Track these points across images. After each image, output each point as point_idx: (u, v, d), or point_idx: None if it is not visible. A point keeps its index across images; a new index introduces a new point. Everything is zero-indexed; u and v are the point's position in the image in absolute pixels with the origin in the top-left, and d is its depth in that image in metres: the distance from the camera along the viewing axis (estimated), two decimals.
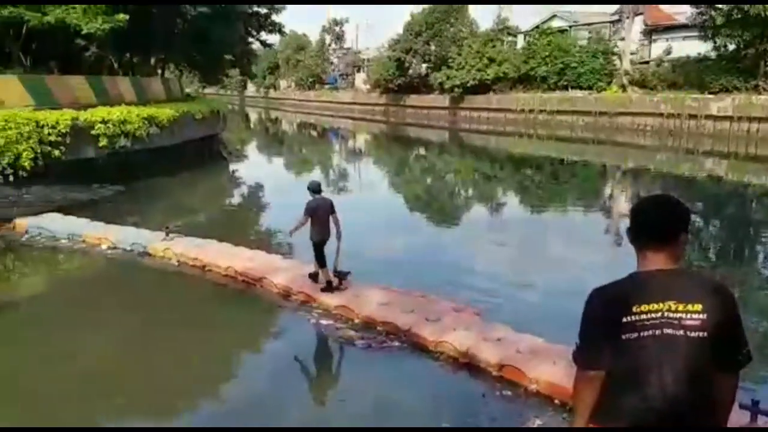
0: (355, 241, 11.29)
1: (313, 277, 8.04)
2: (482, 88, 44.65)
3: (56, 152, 14.20)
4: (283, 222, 10.48)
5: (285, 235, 9.00)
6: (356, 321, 7.14)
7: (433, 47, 48.97)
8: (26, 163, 13.46)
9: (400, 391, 5.84)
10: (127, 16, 17.52)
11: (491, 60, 43.85)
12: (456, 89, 45.73)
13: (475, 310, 7.20)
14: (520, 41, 47.18)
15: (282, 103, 79.90)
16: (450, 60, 46.30)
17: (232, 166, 25.11)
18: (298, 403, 5.65)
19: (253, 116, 65.52)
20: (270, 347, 7.33)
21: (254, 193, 19.14)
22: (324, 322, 7.23)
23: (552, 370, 5.46)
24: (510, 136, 37.40)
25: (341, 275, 7.82)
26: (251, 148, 34.11)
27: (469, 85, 44.53)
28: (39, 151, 13.75)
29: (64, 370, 6.25)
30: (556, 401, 5.26)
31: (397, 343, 6.58)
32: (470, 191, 20.12)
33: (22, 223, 11.57)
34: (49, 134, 14.00)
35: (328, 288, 7.73)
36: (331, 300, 7.54)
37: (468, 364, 6.01)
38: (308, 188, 7.85)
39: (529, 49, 42.68)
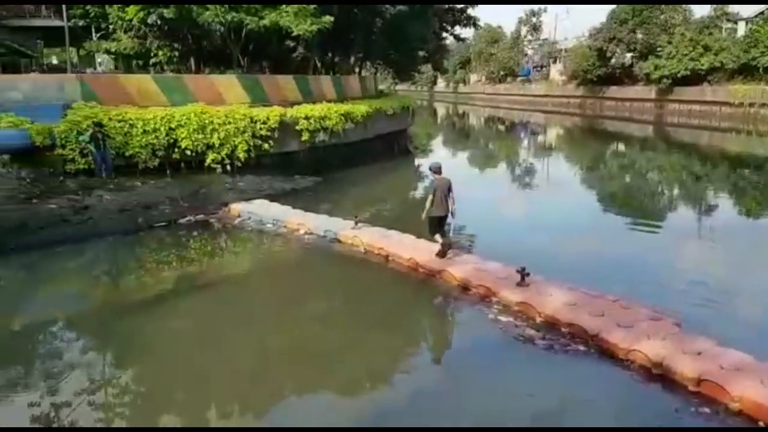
0: (544, 238, 10.93)
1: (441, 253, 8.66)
2: (694, 79, 40.97)
3: (266, 145, 15.74)
4: (464, 218, 10.42)
5: (466, 230, 8.93)
6: (538, 320, 6.85)
7: (639, 35, 45.59)
8: (241, 155, 15.14)
9: (586, 395, 5.52)
10: (332, 18, 18.59)
11: (706, 48, 40.17)
12: (664, 80, 42.49)
13: (674, 319, 6.49)
14: (741, 28, 42.01)
15: (471, 97, 79.92)
16: (659, 49, 42.87)
17: (417, 161, 25.67)
18: (478, 397, 5.54)
19: (441, 111, 66.44)
20: (449, 339, 7.36)
21: None
22: (503, 318, 7.04)
23: (759, 389, 4.90)
24: (725, 131, 33.78)
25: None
26: (437, 143, 34.54)
27: (679, 75, 41.19)
28: (252, 144, 15.37)
29: (270, 341, 6.89)
30: (761, 423, 4.73)
31: (582, 347, 6.19)
32: (675, 191, 18.26)
33: (236, 207, 12.97)
34: (260, 129, 15.56)
35: (442, 254, 8.63)
36: (512, 296, 7.31)
37: (662, 376, 5.51)
38: (429, 169, 8.66)
39: (752, 37, 38.21)
